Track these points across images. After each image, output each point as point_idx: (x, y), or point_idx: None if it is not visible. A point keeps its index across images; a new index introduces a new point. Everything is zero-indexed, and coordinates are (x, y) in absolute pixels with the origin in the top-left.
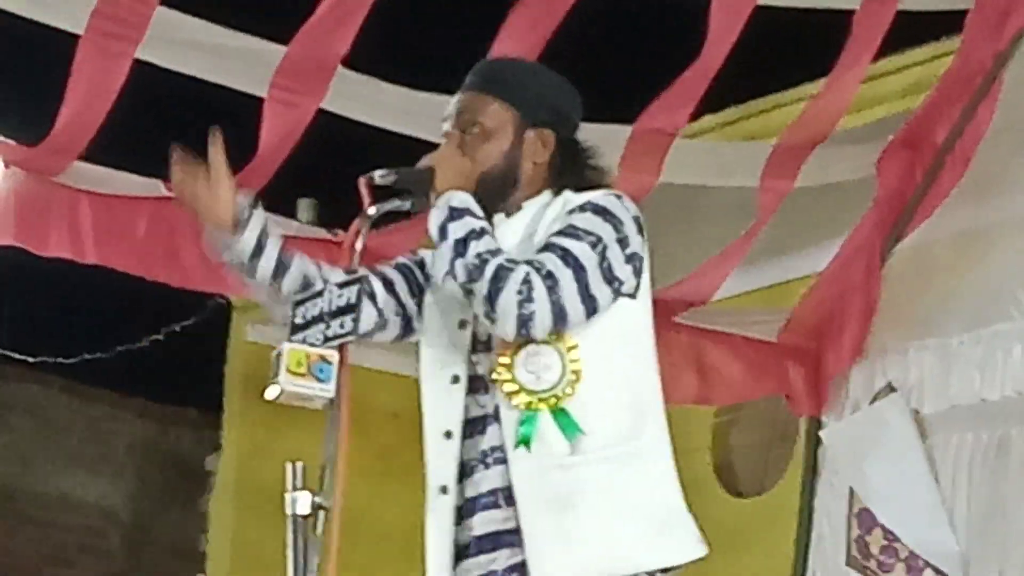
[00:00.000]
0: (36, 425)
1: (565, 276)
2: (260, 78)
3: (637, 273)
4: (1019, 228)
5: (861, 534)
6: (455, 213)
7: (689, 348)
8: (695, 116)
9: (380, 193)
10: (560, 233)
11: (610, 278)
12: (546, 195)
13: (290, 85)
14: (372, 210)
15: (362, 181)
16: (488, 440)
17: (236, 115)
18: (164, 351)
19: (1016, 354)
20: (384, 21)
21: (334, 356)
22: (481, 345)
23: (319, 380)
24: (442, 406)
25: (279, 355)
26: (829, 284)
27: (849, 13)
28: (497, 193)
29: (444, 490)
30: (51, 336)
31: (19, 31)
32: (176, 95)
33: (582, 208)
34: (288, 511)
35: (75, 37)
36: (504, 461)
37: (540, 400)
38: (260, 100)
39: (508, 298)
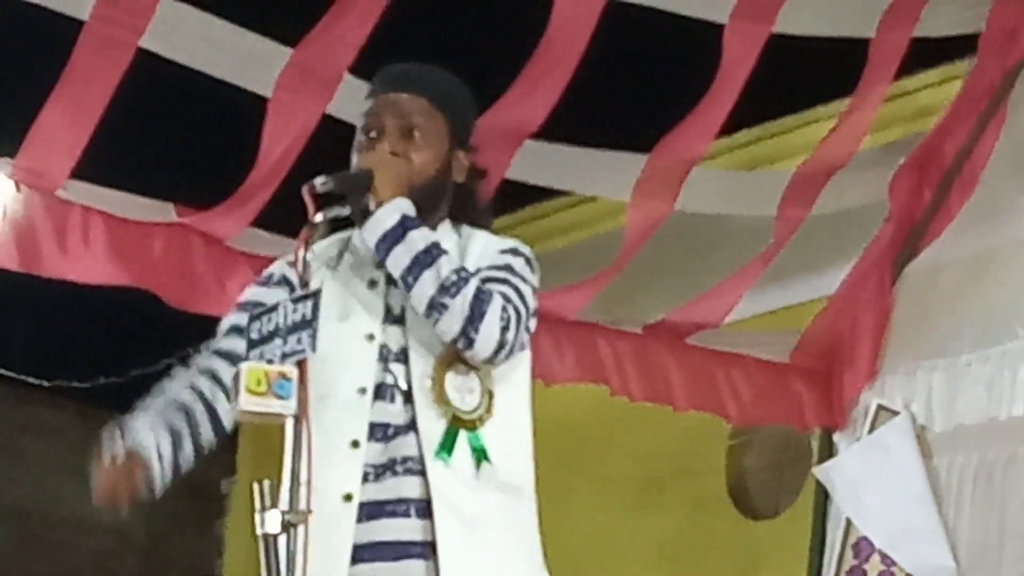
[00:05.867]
0: (51, 448)
1: (523, 313)
2: (266, 80)
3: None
4: None
5: (858, 564)
6: (409, 221)
7: (702, 365)
8: None
9: (324, 200)
10: (504, 270)
11: (528, 325)
12: (447, 222)
13: (295, 87)
14: (318, 217)
15: (305, 189)
16: (401, 448)
17: (244, 131)
18: None
19: (1023, 373)
20: (394, 32)
21: (293, 372)
22: (391, 355)
23: (279, 398)
24: (348, 417)
25: (237, 375)
26: (840, 306)
27: (862, 41)
28: (427, 205)
29: (348, 497)
30: (65, 360)
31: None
32: (187, 114)
33: (513, 252)
34: (258, 531)
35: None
36: (417, 472)
37: (462, 420)
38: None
39: (492, 322)
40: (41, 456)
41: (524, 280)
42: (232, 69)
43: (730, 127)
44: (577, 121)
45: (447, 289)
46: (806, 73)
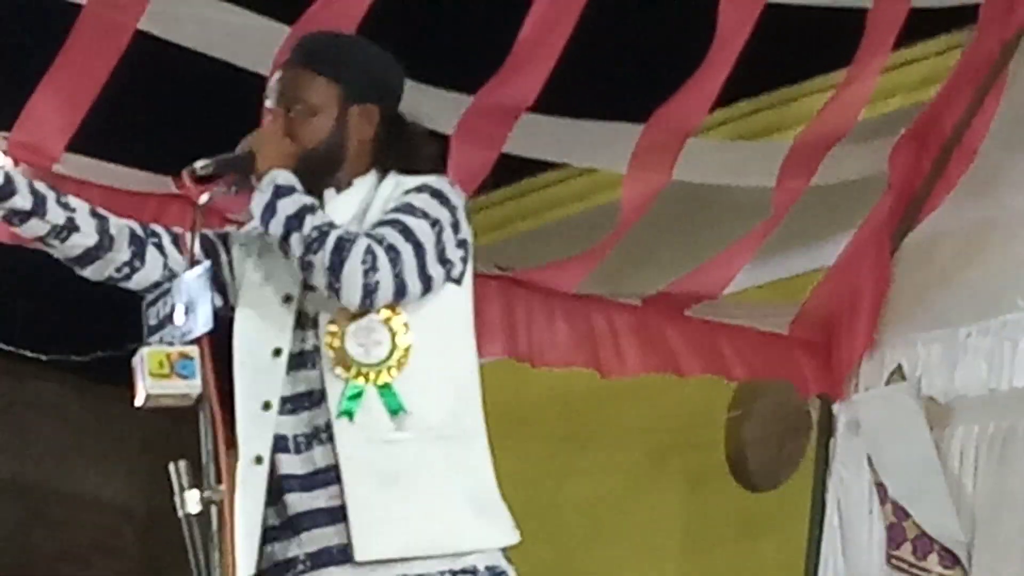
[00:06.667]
0: (50, 423)
1: (406, 250)
2: (265, 58)
3: (464, 260)
4: None
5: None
6: (282, 191)
7: (702, 335)
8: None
9: (207, 182)
10: (398, 210)
11: (443, 259)
12: (373, 174)
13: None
14: (203, 199)
15: (184, 174)
16: (319, 416)
17: (246, 110)
18: None
19: (1023, 345)
20: (393, 7)
21: (195, 351)
22: (309, 321)
23: (184, 378)
24: (262, 379)
25: (140, 360)
26: (839, 277)
27: (860, 11)
28: (324, 170)
29: (259, 460)
30: (64, 334)
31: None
32: (187, 91)
33: (419, 189)
34: (180, 512)
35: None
36: (332, 437)
37: (367, 374)
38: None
39: (353, 268)
40: (39, 431)
41: (422, 215)
42: (230, 48)
43: (728, 97)
44: (573, 93)
45: (310, 246)
46: (804, 43)
